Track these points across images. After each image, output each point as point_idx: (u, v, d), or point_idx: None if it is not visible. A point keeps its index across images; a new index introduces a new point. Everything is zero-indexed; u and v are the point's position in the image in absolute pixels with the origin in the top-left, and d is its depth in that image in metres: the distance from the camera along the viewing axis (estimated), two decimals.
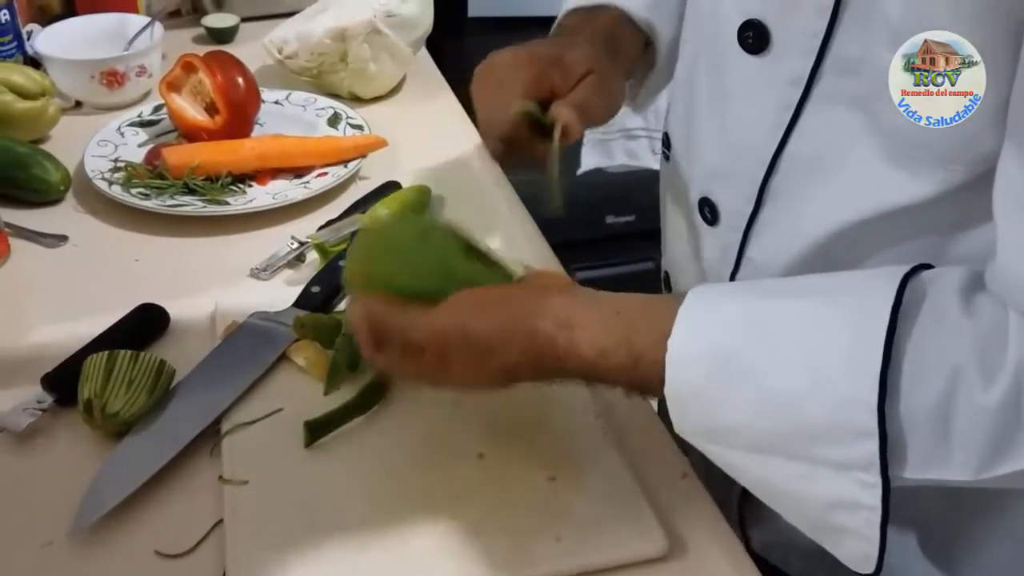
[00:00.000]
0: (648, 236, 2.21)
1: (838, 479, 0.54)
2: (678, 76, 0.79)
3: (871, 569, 0.56)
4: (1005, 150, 0.54)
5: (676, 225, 0.80)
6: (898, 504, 0.68)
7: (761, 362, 0.56)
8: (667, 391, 0.58)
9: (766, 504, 0.60)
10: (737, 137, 0.68)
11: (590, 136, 0.98)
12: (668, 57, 0.83)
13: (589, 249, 2.24)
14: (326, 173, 1.08)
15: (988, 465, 0.52)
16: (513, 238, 1.00)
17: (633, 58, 0.82)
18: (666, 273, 0.85)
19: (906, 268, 0.55)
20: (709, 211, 0.72)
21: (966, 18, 0.52)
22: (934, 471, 0.54)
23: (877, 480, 0.53)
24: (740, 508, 0.82)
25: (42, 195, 1.06)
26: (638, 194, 2.16)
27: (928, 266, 0.57)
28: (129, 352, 0.76)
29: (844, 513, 0.55)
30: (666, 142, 0.81)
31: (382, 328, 0.64)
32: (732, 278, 0.72)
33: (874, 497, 0.53)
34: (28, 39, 1.28)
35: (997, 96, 0.53)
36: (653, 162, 2.12)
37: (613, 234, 2.19)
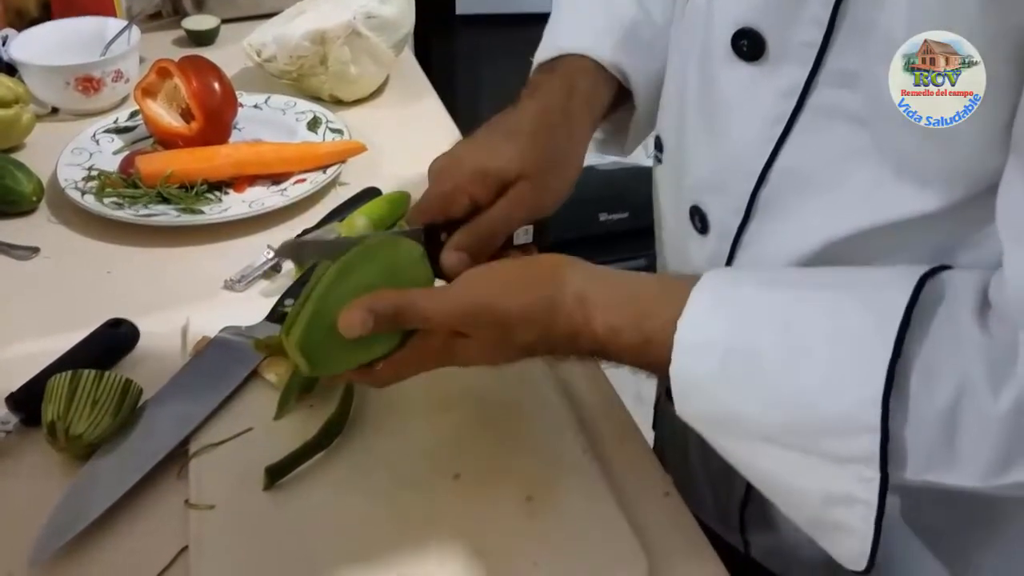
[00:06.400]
0: (641, 234, 2.20)
1: (838, 472, 0.54)
2: (667, 81, 0.77)
3: (863, 567, 0.56)
4: (1010, 171, 0.53)
5: (669, 230, 0.79)
6: (906, 510, 0.66)
7: (774, 354, 0.55)
8: (672, 374, 0.58)
9: (764, 494, 0.59)
10: (728, 148, 0.67)
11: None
12: (649, 97, 0.80)
13: (582, 247, 2.19)
14: (304, 179, 1.05)
15: (994, 473, 0.52)
16: None
17: (602, 106, 0.79)
18: None
19: (925, 268, 0.55)
20: (699, 220, 0.71)
21: (968, 35, 0.51)
22: (936, 474, 0.53)
23: (875, 474, 0.53)
24: (741, 513, 0.80)
25: (14, 206, 1.03)
26: (631, 191, 2.14)
27: (947, 267, 0.56)
28: (93, 371, 0.74)
29: (841, 508, 0.55)
30: (658, 145, 0.79)
31: (396, 317, 0.62)
32: None
33: (870, 492, 0.53)
34: (3, 45, 1.25)
35: (1003, 116, 0.52)
36: (645, 159, 2.10)
37: (606, 232, 2.17)
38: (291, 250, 0.81)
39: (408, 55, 1.38)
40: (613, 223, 2.16)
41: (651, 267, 0.89)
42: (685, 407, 0.59)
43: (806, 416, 0.54)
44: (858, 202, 0.60)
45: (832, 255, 0.62)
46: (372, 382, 0.67)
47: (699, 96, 0.69)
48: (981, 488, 0.53)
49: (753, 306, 0.58)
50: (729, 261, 0.69)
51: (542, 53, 0.81)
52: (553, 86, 0.77)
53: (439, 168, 0.72)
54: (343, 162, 1.08)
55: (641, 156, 2.15)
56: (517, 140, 0.72)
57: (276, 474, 0.70)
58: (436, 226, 0.71)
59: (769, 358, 0.55)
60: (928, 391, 0.52)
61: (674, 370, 0.57)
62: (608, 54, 0.78)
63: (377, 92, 1.28)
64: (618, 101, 0.81)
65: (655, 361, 0.59)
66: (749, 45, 0.62)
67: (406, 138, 1.18)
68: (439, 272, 0.70)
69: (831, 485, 0.54)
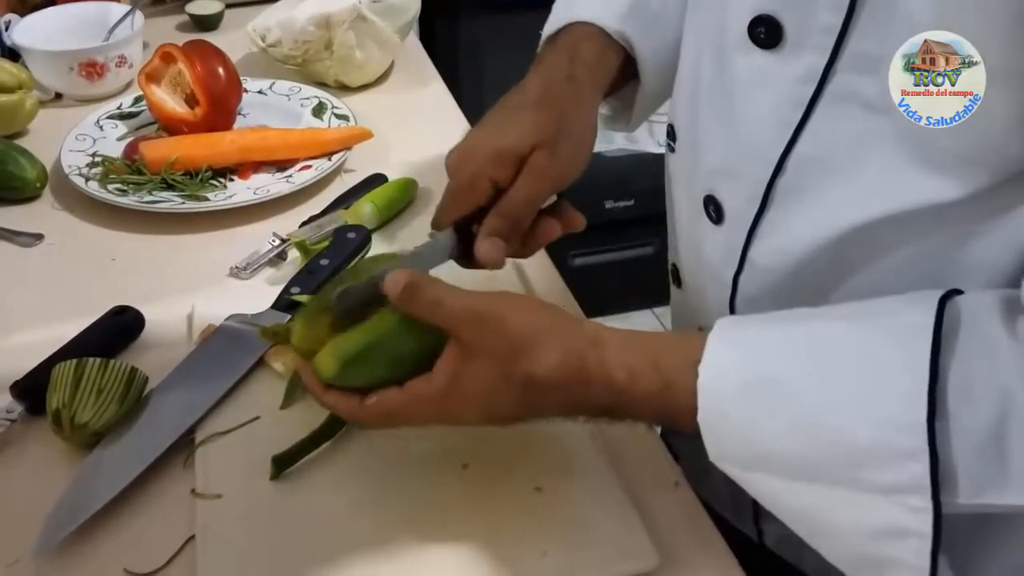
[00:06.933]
0: (648, 221, 2.21)
1: (885, 505, 0.51)
2: (681, 69, 0.76)
3: None
4: None
5: (682, 219, 0.77)
6: None
7: (800, 385, 0.53)
8: (700, 418, 0.55)
9: (804, 538, 0.57)
10: (744, 135, 0.66)
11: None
12: (656, 71, 0.79)
13: (588, 234, 2.19)
14: (309, 166, 1.05)
15: None
16: None
17: (608, 72, 0.77)
18: (674, 266, 0.82)
19: (940, 292, 0.53)
20: (714, 209, 0.69)
21: (994, 19, 0.50)
22: (991, 496, 0.51)
23: (927, 504, 0.50)
24: (755, 502, 0.79)
25: (18, 192, 1.03)
26: (638, 178, 2.13)
27: (959, 291, 0.54)
28: (98, 360, 0.73)
29: (891, 542, 0.52)
30: (671, 133, 0.78)
31: (414, 292, 0.60)
32: (735, 279, 0.69)
33: (924, 523, 0.50)
34: (6, 30, 1.24)
35: (1020, 103, 0.51)
36: (653, 146, 2.09)
37: (612, 219, 2.16)
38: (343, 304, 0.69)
39: (413, 40, 1.37)
40: (620, 210, 2.15)
41: (659, 254, 0.88)
42: (717, 450, 0.56)
43: (842, 446, 0.52)
44: (876, 189, 0.59)
45: (849, 244, 0.61)
46: (358, 416, 0.64)
47: (714, 84, 0.68)
48: None
49: (771, 340, 0.56)
50: (744, 251, 0.68)
51: (549, 26, 0.80)
52: (556, 56, 0.76)
53: (455, 161, 0.71)
54: (349, 149, 1.07)
55: (648, 143, 2.14)
56: (524, 113, 0.71)
57: (283, 463, 0.69)
58: (466, 220, 0.70)
59: (796, 388, 0.53)
60: (970, 409, 0.50)
61: (701, 414, 0.55)
62: (613, 21, 0.76)
63: (382, 78, 1.27)
64: (625, 75, 0.79)
65: (676, 407, 0.57)
66: (766, 32, 0.61)
67: (412, 124, 1.17)
68: (477, 265, 0.70)
69: (878, 519, 0.52)
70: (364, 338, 0.62)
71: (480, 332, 0.60)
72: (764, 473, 0.55)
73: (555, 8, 0.82)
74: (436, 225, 0.71)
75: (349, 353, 0.61)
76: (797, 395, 0.53)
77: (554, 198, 0.74)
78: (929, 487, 0.50)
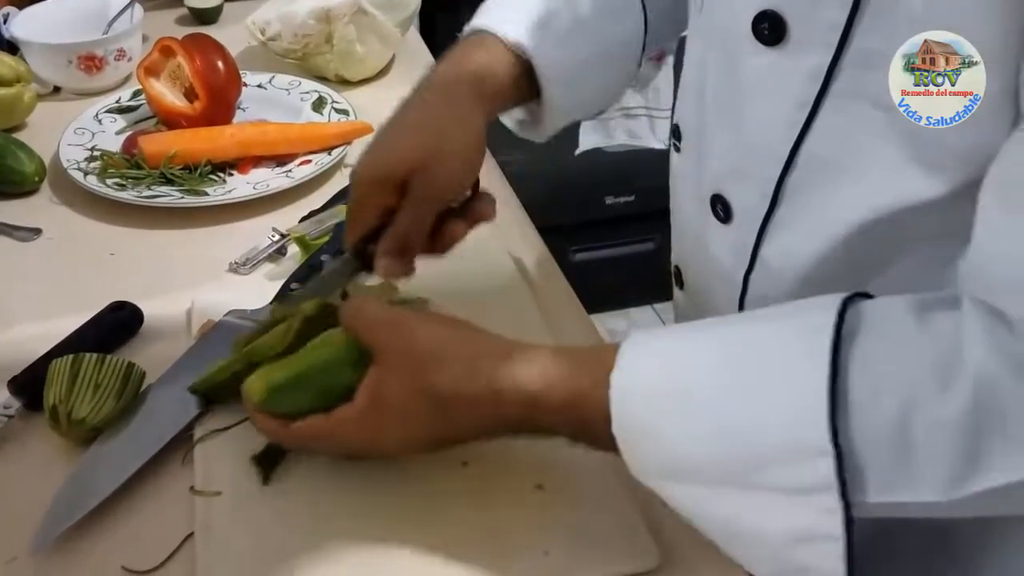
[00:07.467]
0: (648, 217, 2.20)
1: (795, 507, 0.51)
2: (687, 69, 0.75)
3: None
4: (1014, 140, 0.51)
5: (687, 220, 0.77)
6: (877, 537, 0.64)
7: (708, 391, 0.54)
8: (614, 429, 0.56)
9: (724, 549, 0.57)
10: (751, 134, 0.65)
11: (511, 113, 0.92)
12: (561, 84, 0.77)
13: (589, 230, 2.20)
14: (309, 161, 1.04)
15: (960, 482, 0.49)
16: (501, 223, 0.97)
17: (498, 82, 0.75)
18: (676, 268, 0.82)
19: (844, 295, 0.53)
20: (722, 209, 0.69)
21: (992, 11, 0.50)
22: (901, 493, 0.50)
23: (837, 504, 0.50)
24: None
25: (16, 186, 1.02)
26: (638, 174, 2.12)
27: (868, 295, 0.55)
28: (95, 355, 0.73)
29: (804, 547, 0.51)
30: (676, 133, 0.78)
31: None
32: (746, 279, 0.69)
33: (834, 524, 0.50)
34: (4, 23, 1.24)
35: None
36: (654, 141, 2.09)
37: (613, 215, 2.15)
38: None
39: (414, 34, 1.37)
40: (620, 206, 2.14)
41: (660, 250, 0.87)
42: (634, 461, 0.57)
43: (751, 448, 0.52)
44: (882, 186, 0.59)
45: (859, 241, 0.61)
46: (282, 438, 0.67)
47: (720, 83, 0.68)
48: (945, 505, 0.50)
49: (678, 347, 0.57)
50: (755, 250, 0.68)
51: (465, 30, 0.79)
52: (443, 67, 0.76)
53: (353, 181, 0.72)
54: (349, 143, 1.06)
55: (649, 138, 2.13)
56: (402, 138, 0.72)
57: (266, 462, 0.69)
58: (366, 240, 0.71)
59: (704, 395, 0.54)
60: (873, 403, 0.50)
61: (615, 424, 0.56)
62: (512, 33, 0.75)
63: (383, 72, 1.26)
64: (535, 85, 0.78)
65: (591, 419, 0.57)
66: (770, 29, 0.61)
67: None
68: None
69: (791, 521, 0.51)
70: (293, 369, 0.65)
71: (393, 339, 0.62)
72: (680, 483, 0.56)
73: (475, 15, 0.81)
74: (345, 248, 0.73)
75: (277, 381, 0.65)
76: (706, 401, 0.54)
77: (468, 193, 0.74)
78: (837, 484, 0.49)
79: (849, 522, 0.50)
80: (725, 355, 0.55)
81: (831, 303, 0.53)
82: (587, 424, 0.58)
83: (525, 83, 0.77)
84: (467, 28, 0.79)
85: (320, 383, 0.64)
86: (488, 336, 0.63)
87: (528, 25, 0.76)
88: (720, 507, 0.54)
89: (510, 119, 0.84)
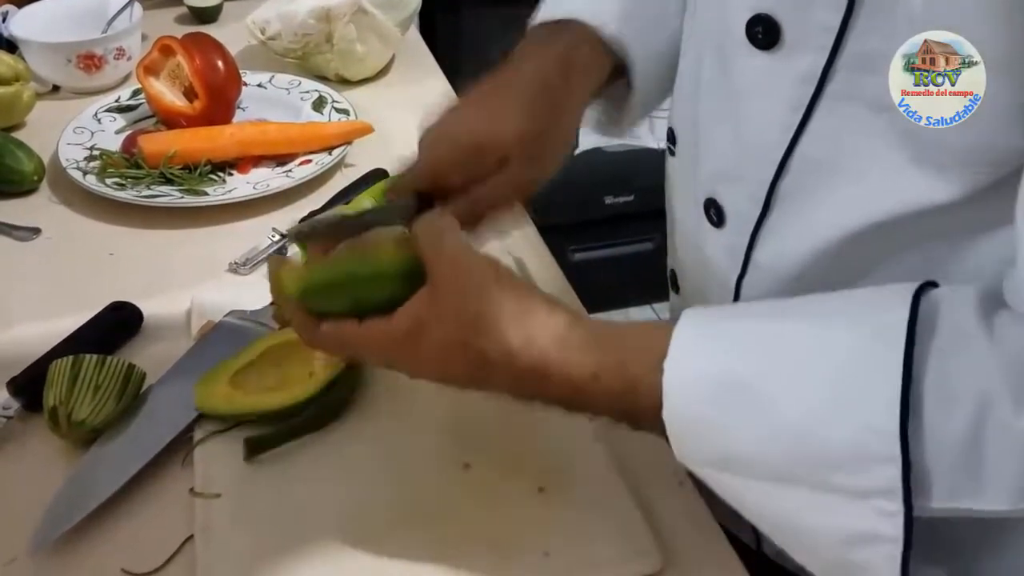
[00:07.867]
0: (648, 216, 2.20)
1: (856, 508, 0.50)
2: (681, 72, 0.75)
3: None
4: None
5: (682, 223, 0.76)
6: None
7: (770, 386, 0.52)
8: (665, 416, 0.54)
9: (778, 545, 0.56)
10: (745, 137, 0.65)
11: (589, 112, 0.92)
12: (648, 74, 0.76)
13: (588, 229, 2.20)
14: (310, 160, 1.04)
15: None
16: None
17: (599, 81, 0.75)
18: (672, 272, 0.82)
19: (915, 284, 0.52)
20: (715, 212, 0.69)
21: (992, 12, 0.49)
22: (965, 501, 0.50)
23: (899, 508, 0.49)
24: None
25: (15, 186, 1.02)
26: (638, 173, 2.12)
27: (935, 284, 0.53)
28: (95, 356, 0.72)
29: (863, 547, 0.51)
30: (671, 137, 0.77)
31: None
32: (739, 282, 0.69)
33: (895, 527, 0.49)
34: (3, 21, 1.23)
35: (1021, 95, 0.50)
36: (653, 141, 2.08)
37: (613, 214, 2.15)
38: (301, 233, 0.72)
39: (414, 34, 1.36)
40: (620, 206, 2.14)
41: (659, 250, 0.87)
42: (684, 451, 0.55)
43: (812, 448, 0.51)
44: (879, 189, 0.59)
45: (853, 246, 0.61)
46: (311, 336, 0.62)
47: (714, 86, 0.67)
48: (1011, 512, 0.50)
49: (740, 337, 0.55)
50: (747, 255, 0.67)
51: (543, 14, 0.77)
52: (549, 54, 0.73)
53: (431, 141, 0.69)
54: (349, 143, 1.06)
55: (648, 138, 2.13)
56: (515, 112, 0.69)
57: (256, 447, 0.69)
58: (428, 193, 0.68)
59: (764, 388, 0.52)
60: (946, 413, 0.49)
61: (666, 412, 0.54)
62: (611, 25, 0.74)
63: (383, 72, 1.26)
64: (613, 77, 0.77)
65: (641, 406, 0.55)
66: (764, 32, 0.60)
67: (413, 119, 1.15)
68: None
69: (850, 523, 0.51)
70: (336, 272, 0.60)
71: (460, 283, 0.57)
72: (735, 475, 0.54)
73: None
74: (396, 191, 0.69)
75: (313, 282, 0.61)
76: (768, 397, 0.52)
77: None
78: (901, 491, 0.49)
79: (909, 525, 0.49)
80: (790, 349, 0.53)
81: (902, 297, 0.51)
82: (635, 410, 0.56)
83: (614, 76, 0.76)
84: (556, 10, 0.75)
85: (362, 292, 0.60)
86: (548, 312, 0.58)
87: (623, 15, 0.74)
88: (777, 501, 0.53)
89: (590, 118, 0.82)
